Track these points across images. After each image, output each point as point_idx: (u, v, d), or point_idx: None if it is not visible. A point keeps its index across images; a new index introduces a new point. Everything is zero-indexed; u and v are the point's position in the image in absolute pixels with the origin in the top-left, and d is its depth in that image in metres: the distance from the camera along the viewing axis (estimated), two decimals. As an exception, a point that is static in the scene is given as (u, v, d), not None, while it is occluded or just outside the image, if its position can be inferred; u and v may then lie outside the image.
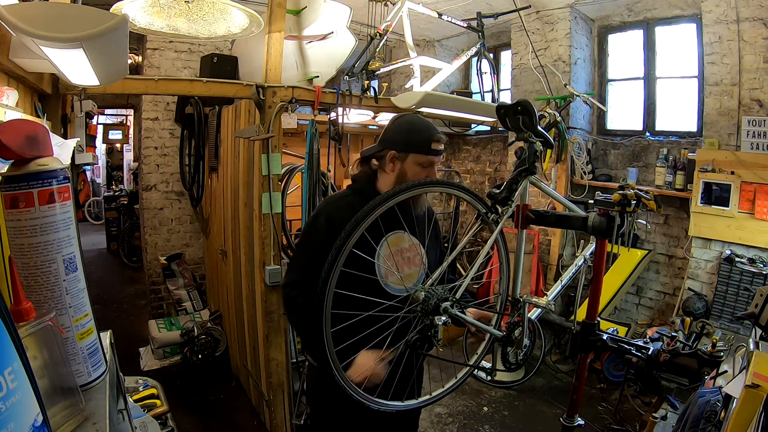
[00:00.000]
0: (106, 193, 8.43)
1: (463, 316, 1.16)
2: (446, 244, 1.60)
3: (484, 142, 4.89)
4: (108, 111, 8.20)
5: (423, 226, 1.42)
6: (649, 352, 1.23)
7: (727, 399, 1.25)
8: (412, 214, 1.40)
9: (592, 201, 1.26)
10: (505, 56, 4.69)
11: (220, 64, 3.56)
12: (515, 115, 1.25)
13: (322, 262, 1.06)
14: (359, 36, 3.65)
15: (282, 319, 2.60)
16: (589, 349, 1.26)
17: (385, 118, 3.72)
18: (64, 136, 2.41)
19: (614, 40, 3.87)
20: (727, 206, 2.92)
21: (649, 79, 3.66)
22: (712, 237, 3.03)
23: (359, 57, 3.33)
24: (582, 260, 1.47)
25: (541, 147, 1.29)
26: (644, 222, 1.45)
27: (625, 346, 1.26)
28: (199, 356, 3.31)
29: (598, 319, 1.29)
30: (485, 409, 3.16)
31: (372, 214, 1.06)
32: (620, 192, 1.16)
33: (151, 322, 3.68)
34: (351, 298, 1.13)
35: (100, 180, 10.14)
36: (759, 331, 1.48)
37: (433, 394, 1.29)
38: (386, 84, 3.98)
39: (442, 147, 1.40)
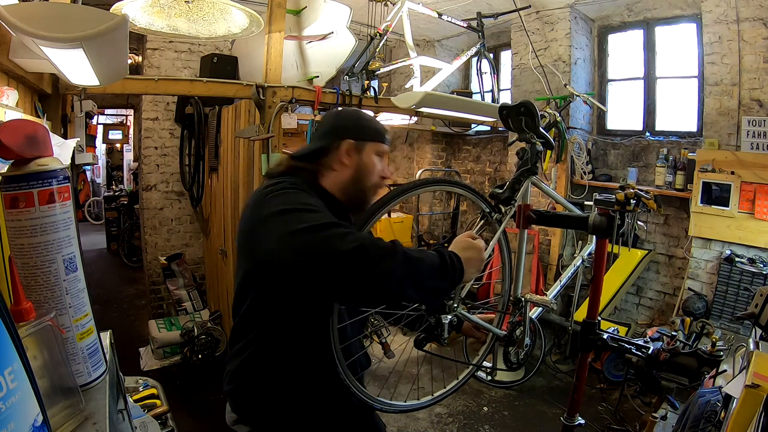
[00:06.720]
0: (106, 193, 8.42)
1: (468, 315, 1.16)
2: None
3: (484, 142, 4.89)
4: (108, 111, 8.20)
5: None
6: (649, 352, 1.24)
7: (727, 399, 1.25)
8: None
9: (589, 203, 1.26)
10: (505, 56, 4.69)
11: (220, 64, 3.57)
12: (518, 116, 1.25)
13: None
14: (359, 36, 3.65)
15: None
16: (590, 349, 1.27)
17: (385, 118, 3.72)
18: (64, 136, 2.41)
19: (614, 40, 3.87)
20: (727, 206, 2.92)
21: (649, 79, 3.65)
22: (712, 237, 3.03)
23: (359, 57, 3.33)
24: (580, 260, 1.48)
25: (542, 147, 1.29)
26: (643, 223, 1.45)
27: (625, 345, 1.26)
28: (199, 356, 3.31)
29: (599, 318, 1.29)
30: (485, 409, 3.16)
31: (385, 207, 1.02)
32: (620, 192, 1.16)
33: (151, 322, 3.68)
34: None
35: (100, 180, 10.13)
36: (759, 331, 1.48)
37: (435, 394, 1.28)
38: (386, 84, 3.99)
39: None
